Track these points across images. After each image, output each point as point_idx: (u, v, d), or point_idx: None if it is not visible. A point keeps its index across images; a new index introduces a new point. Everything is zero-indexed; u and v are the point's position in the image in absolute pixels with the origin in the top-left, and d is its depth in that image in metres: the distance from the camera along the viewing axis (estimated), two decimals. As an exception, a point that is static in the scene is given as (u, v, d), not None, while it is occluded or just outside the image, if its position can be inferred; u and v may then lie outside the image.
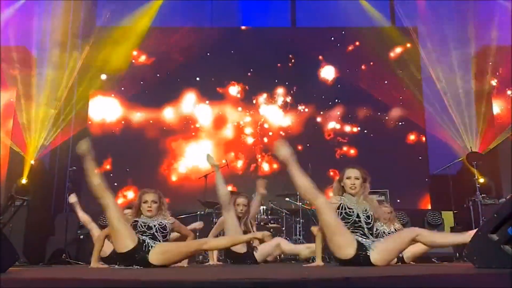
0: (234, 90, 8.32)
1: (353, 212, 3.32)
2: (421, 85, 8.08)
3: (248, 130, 8.22)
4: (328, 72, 8.36)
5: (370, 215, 3.34)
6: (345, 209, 3.34)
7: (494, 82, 7.67)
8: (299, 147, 7.96)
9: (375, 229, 3.46)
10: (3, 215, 4.94)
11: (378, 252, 3.10)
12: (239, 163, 8.02)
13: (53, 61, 7.55)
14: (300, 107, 8.24)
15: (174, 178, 7.95)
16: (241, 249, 4.53)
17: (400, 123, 8.12)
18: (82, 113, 8.01)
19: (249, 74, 8.31)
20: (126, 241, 3.36)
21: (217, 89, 8.27)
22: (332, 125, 8.17)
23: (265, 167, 8.04)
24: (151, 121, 8.09)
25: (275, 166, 7.95)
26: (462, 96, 7.67)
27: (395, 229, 4.87)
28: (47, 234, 6.15)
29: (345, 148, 8.04)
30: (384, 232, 4.84)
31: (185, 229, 4.03)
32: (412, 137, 8.07)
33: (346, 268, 2.96)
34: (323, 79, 8.29)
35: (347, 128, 8.17)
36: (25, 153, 7.06)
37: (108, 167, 7.87)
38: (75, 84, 7.96)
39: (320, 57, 8.35)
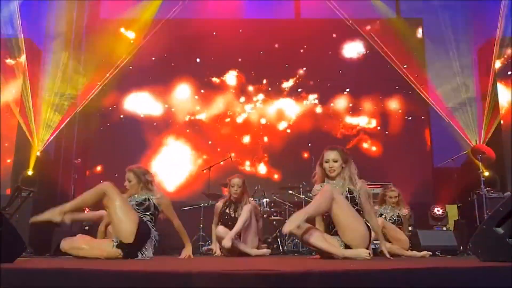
0: (236, 82, 8.31)
1: None
2: (425, 76, 8.05)
3: (251, 123, 8.22)
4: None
5: (348, 197, 3.26)
6: None
7: (499, 64, 7.59)
8: (306, 140, 7.95)
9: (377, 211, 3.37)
10: (9, 206, 4.99)
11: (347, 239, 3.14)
12: (242, 157, 8.03)
13: (58, 53, 7.57)
14: (305, 100, 8.23)
15: (173, 171, 7.96)
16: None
17: (404, 116, 8.11)
18: (87, 104, 8.04)
19: (252, 66, 8.30)
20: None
21: (218, 81, 8.27)
22: (338, 116, 8.17)
23: (267, 159, 8.06)
24: (142, 115, 8.11)
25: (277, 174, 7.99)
26: (467, 88, 7.63)
27: (399, 214, 4.81)
28: (53, 225, 6.19)
29: (355, 141, 8.01)
30: (385, 218, 4.80)
31: (171, 212, 3.75)
32: (416, 129, 8.06)
33: (349, 261, 2.96)
34: (328, 69, 8.24)
35: (352, 120, 8.15)
36: (31, 144, 7.12)
37: (99, 168, 7.90)
38: (80, 75, 7.99)
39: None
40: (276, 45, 8.34)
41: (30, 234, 5.68)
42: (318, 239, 3.14)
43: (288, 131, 8.16)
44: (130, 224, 3.35)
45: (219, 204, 4.78)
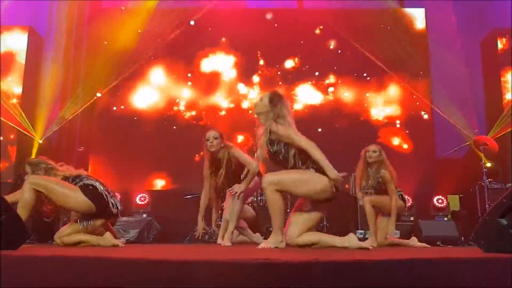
0: (238, 74, 8.27)
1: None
2: (428, 67, 8.00)
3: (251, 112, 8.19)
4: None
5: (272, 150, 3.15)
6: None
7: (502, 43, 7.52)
8: (306, 127, 7.90)
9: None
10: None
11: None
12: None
13: (60, 41, 7.54)
14: (315, 86, 8.20)
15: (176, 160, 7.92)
16: None
17: (408, 107, 8.06)
18: (89, 93, 8.01)
19: (258, 55, 8.24)
20: None
21: (222, 70, 8.22)
22: (344, 105, 8.12)
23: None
24: (144, 103, 8.04)
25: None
26: (471, 79, 7.59)
27: (379, 177, 4.49)
28: (56, 212, 6.22)
29: (359, 130, 7.91)
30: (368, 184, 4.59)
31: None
32: (418, 120, 8.01)
33: (355, 251, 2.96)
34: (332, 57, 8.19)
35: (354, 109, 8.12)
36: (34, 133, 7.13)
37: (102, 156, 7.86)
38: (81, 64, 7.96)
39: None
40: (276, 25, 8.25)
41: (33, 221, 5.70)
42: (317, 237, 3.11)
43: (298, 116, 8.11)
44: (78, 195, 3.33)
45: (206, 171, 4.41)
